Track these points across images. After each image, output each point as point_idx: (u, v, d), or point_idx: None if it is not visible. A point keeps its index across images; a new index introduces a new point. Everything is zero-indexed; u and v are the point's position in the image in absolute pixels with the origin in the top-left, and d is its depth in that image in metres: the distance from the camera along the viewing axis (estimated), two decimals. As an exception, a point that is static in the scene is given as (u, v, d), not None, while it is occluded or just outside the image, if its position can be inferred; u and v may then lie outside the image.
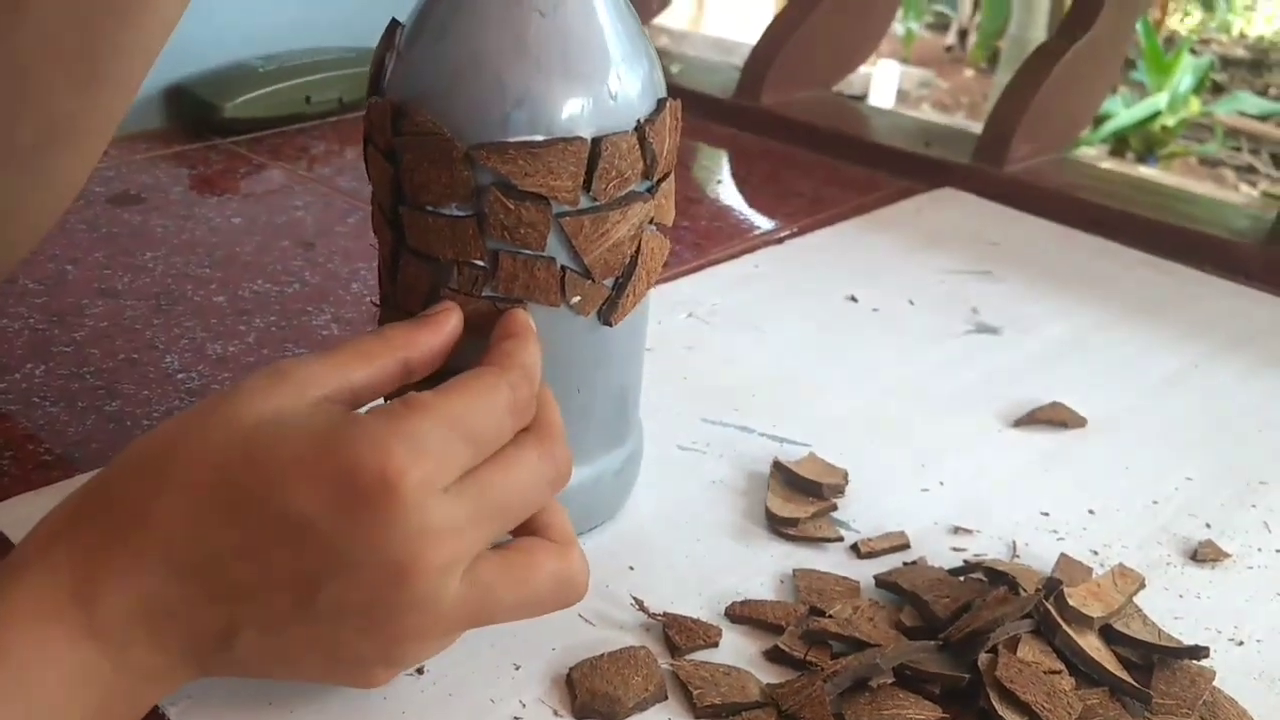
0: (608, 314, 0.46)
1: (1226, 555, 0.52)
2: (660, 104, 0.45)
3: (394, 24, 0.45)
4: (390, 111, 0.43)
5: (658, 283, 0.50)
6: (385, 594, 0.35)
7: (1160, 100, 3.70)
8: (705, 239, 0.83)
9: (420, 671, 0.43)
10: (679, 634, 0.45)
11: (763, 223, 0.87)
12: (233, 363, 0.64)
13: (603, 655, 0.43)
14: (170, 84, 0.96)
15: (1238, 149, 3.70)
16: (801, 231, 0.84)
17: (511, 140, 0.42)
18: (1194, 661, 0.45)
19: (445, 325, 0.42)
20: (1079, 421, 0.62)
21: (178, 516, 0.35)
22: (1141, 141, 3.72)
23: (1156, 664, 0.44)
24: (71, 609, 0.34)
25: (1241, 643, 0.47)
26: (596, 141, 0.43)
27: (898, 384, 0.65)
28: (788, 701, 0.41)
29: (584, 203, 0.43)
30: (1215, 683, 0.44)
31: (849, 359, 0.67)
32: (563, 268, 0.44)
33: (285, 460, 0.35)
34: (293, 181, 0.90)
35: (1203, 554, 0.52)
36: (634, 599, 0.47)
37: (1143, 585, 0.48)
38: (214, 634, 0.36)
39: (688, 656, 0.44)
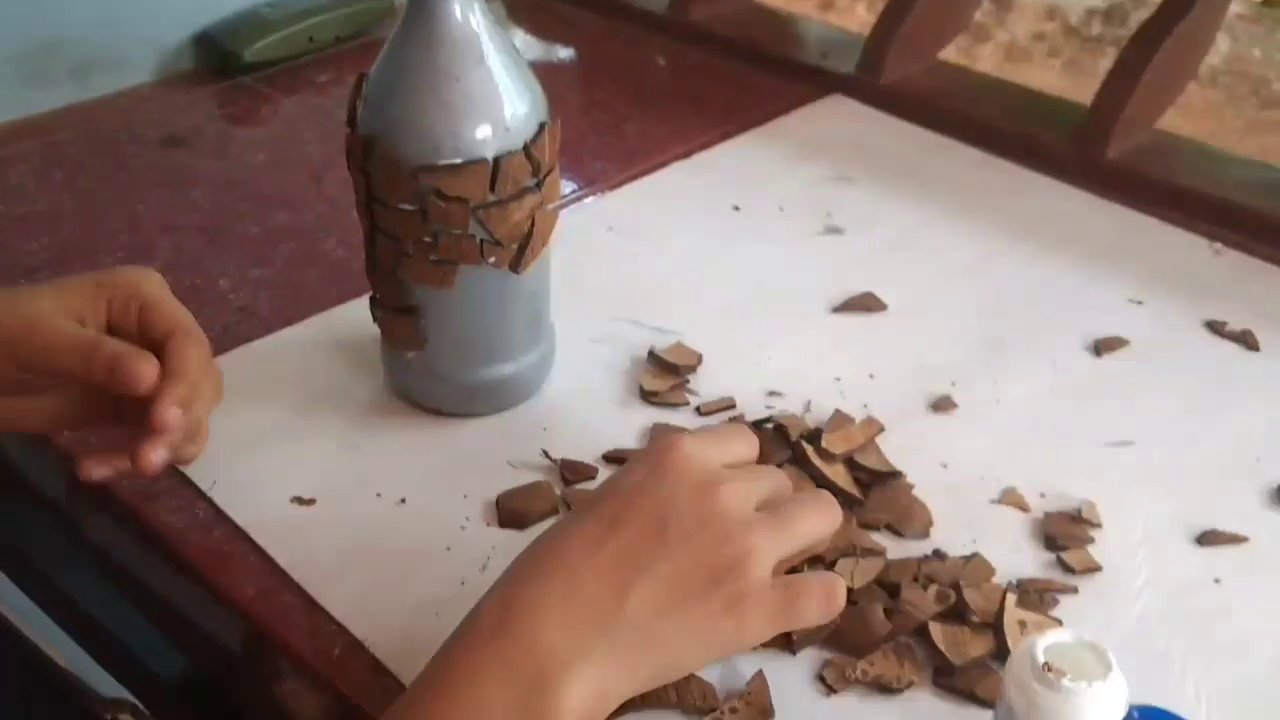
0: (515, 266, 0.69)
1: (955, 405, 0.76)
2: (542, 127, 0.67)
3: (361, 76, 0.67)
4: (361, 143, 0.66)
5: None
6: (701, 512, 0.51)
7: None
8: (631, 155, 1.04)
9: (403, 501, 0.68)
10: (569, 472, 0.70)
11: (680, 137, 1.08)
12: (267, 284, 0.88)
13: (519, 487, 0.68)
14: (197, 32, 1.17)
15: None
16: (709, 144, 1.06)
17: (440, 164, 0.65)
18: (900, 480, 0.69)
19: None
20: (881, 307, 0.85)
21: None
22: None
23: (876, 482, 0.69)
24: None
25: (946, 465, 0.72)
26: (497, 160, 0.65)
27: (755, 282, 0.88)
28: (628, 513, 0.66)
29: (492, 199, 0.66)
30: (916, 493, 0.69)
31: (722, 263, 0.90)
32: (481, 240, 0.67)
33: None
34: (301, 111, 1.12)
35: (940, 405, 0.76)
36: (543, 450, 0.71)
37: (881, 429, 0.72)
38: (610, 600, 0.49)
39: (575, 487, 0.69)
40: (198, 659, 0.73)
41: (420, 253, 0.67)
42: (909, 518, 0.67)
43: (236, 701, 0.70)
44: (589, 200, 0.97)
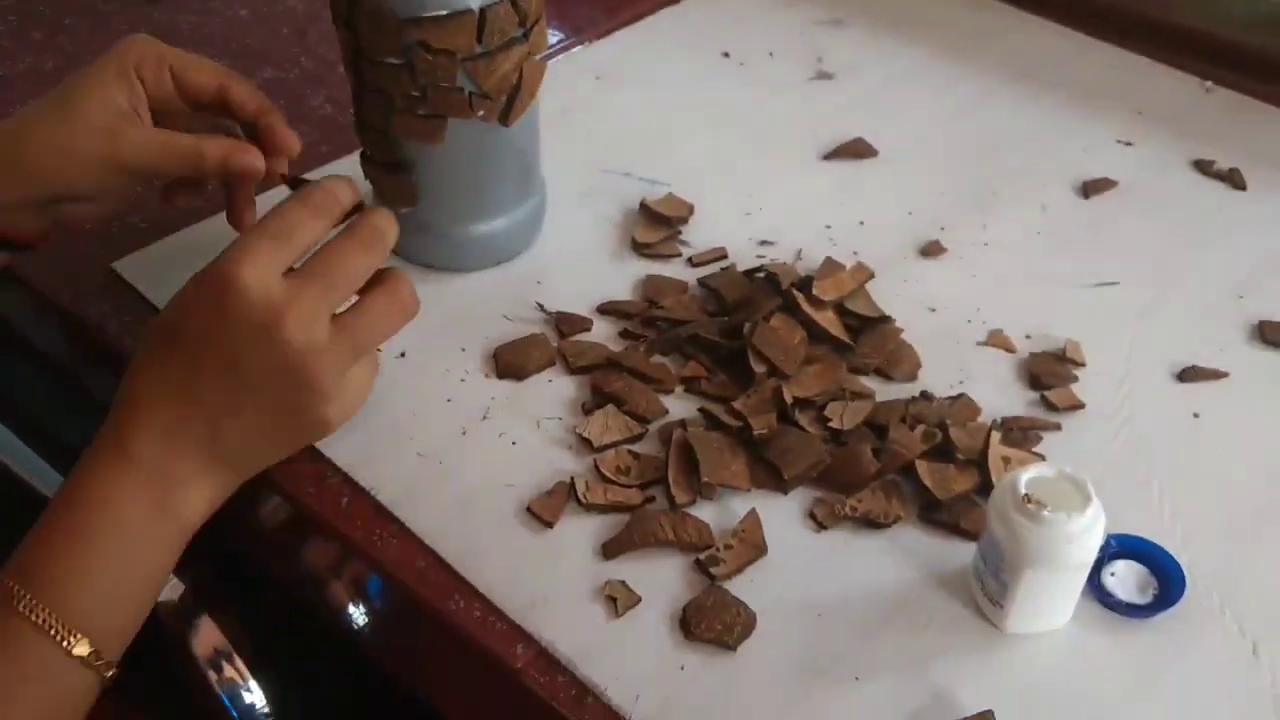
0: (504, 118, 0.69)
1: (945, 250, 0.77)
2: (528, -25, 0.66)
3: (343, -74, 0.66)
4: (345, -4, 0.65)
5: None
6: (275, 353, 0.55)
7: None
8: (618, 1, 1.03)
9: (403, 355, 0.69)
10: (564, 324, 0.71)
11: (667, -18, 1.06)
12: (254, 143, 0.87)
13: (516, 339, 0.70)
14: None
15: None
16: (697, -10, 1.04)
17: (426, 15, 0.64)
18: (888, 324, 0.70)
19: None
20: (871, 152, 0.85)
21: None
22: None
23: (866, 328, 0.70)
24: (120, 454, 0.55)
25: (934, 309, 0.73)
26: (483, 11, 0.64)
27: (746, 130, 0.87)
28: (624, 360, 0.67)
29: (479, 50, 0.66)
30: (904, 337, 0.70)
31: (712, 110, 0.89)
32: (469, 93, 0.67)
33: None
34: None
35: (929, 250, 0.77)
36: (537, 303, 0.72)
37: (871, 276, 0.73)
38: (205, 435, 0.56)
39: (570, 338, 0.70)
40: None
41: (409, 107, 0.67)
42: (897, 361, 0.69)
43: (260, 562, 0.73)
44: (576, 50, 0.96)
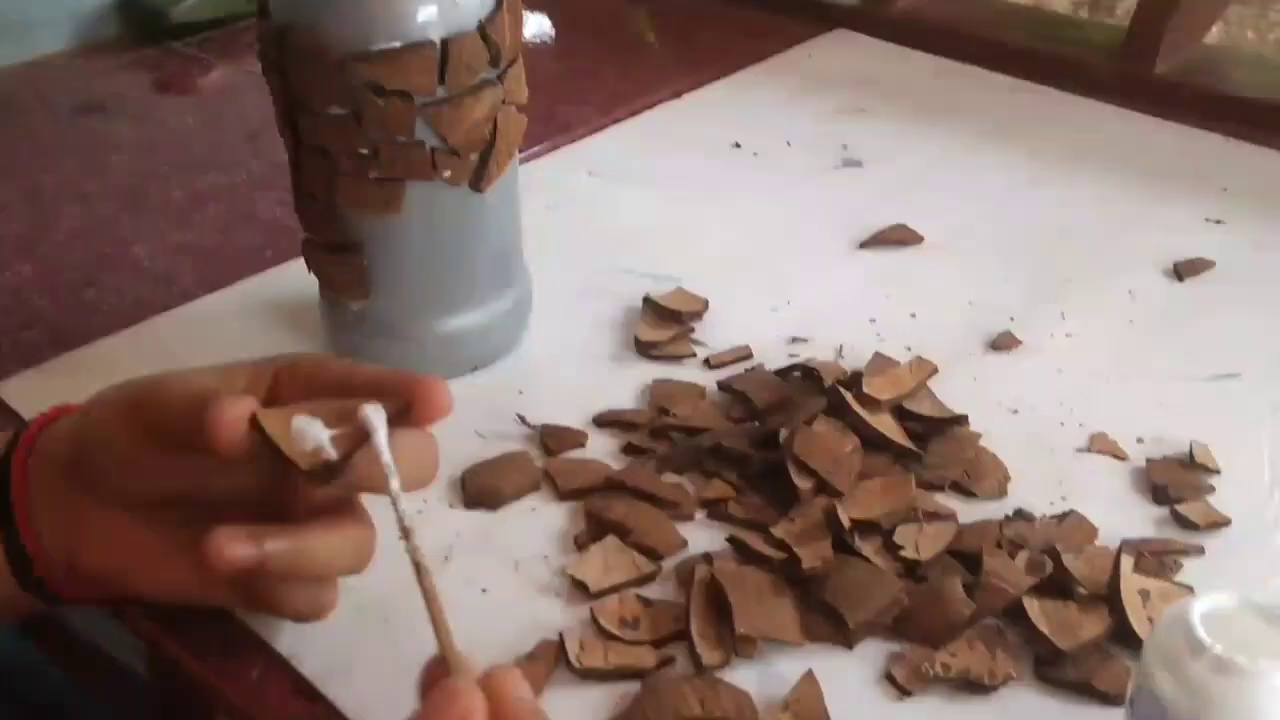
0: (477, 183, 0.56)
1: (1019, 342, 0.63)
2: (499, 2, 0.54)
3: (270, -48, 0.54)
4: (275, 32, 0.53)
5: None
6: None
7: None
8: (612, 99, 0.91)
9: (347, 482, 0.54)
10: (551, 439, 0.56)
11: (666, 79, 0.95)
12: (190, 249, 0.74)
13: (490, 460, 0.55)
14: (120, -5, 1.04)
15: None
16: (699, 85, 0.93)
17: (374, 49, 0.51)
18: (963, 427, 0.55)
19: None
20: (916, 239, 0.71)
21: None
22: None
23: (934, 433, 0.55)
24: None
25: (1016, 411, 0.58)
26: (445, 43, 0.52)
27: (766, 220, 0.74)
28: (628, 479, 0.52)
29: (441, 93, 0.53)
30: (984, 444, 0.55)
31: (725, 202, 0.77)
32: (432, 149, 0.54)
33: None
34: (238, 77, 0.99)
35: (1000, 343, 0.63)
36: (517, 415, 0.58)
37: (935, 371, 0.58)
38: None
39: (560, 456, 0.55)
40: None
41: (358, 169, 0.54)
42: (979, 472, 0.54)
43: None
44: (564, 148, 0.84)
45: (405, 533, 0.37)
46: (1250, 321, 0.64)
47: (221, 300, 0.69)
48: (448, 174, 0.55)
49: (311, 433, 0.39)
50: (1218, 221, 0.73)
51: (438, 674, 0.35)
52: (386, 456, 0.39)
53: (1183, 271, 0.68)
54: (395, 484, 0.38)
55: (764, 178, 0.79)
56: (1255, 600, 0.38)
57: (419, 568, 0.37)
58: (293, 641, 0.47)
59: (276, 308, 0.67)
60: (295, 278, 0.65)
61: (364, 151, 0.53)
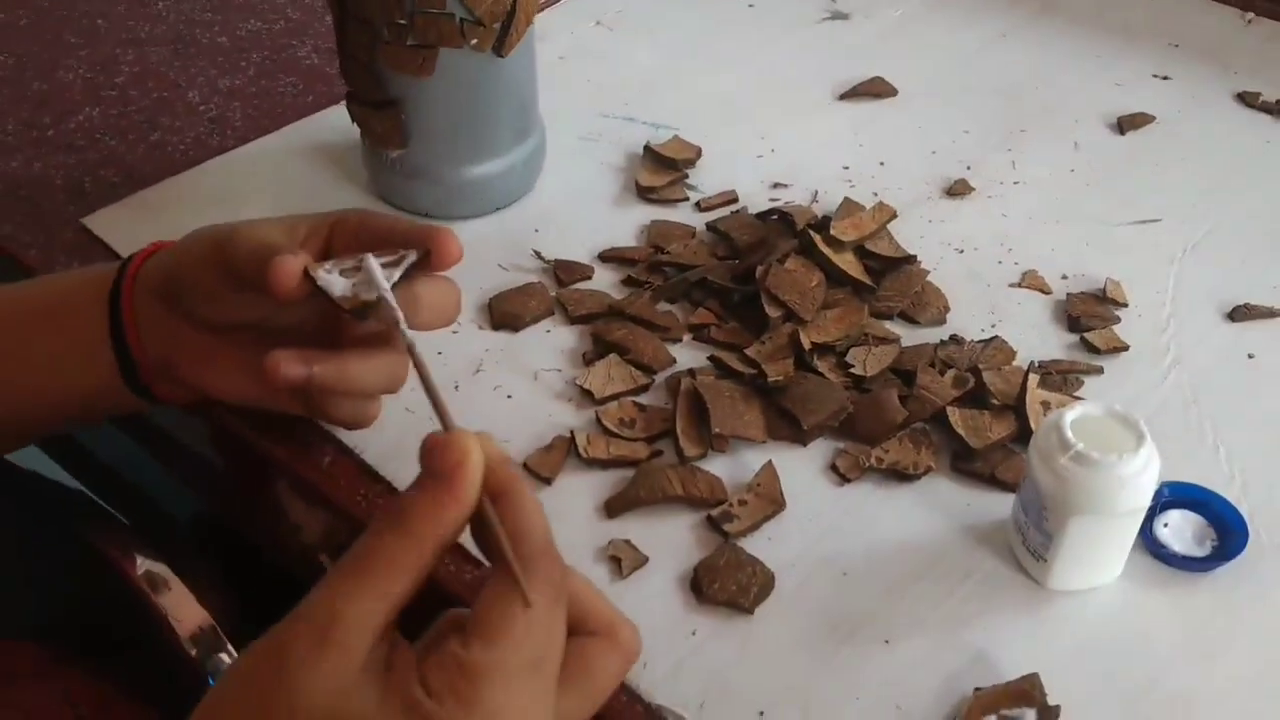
0: (499, 48, 0.64)
1: (972, 189, 0.72)
2: (517, -110, 0.61)
3: None
4: (321, -85, 0.60)
5: None
6: None
7: None
8: (620, -52, 0.98)
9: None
10: (562, 271, 0.66)
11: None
12: (238, 94, 0.83)
13: (511, 289, 0.65)
14: None
15: None
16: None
17: (408, -68, 0.59)
18: (913, 265, 0.65)
19: (464, 490, 0.38)
20: (891, 91, 0.79)
21: None
22: None
23: (889, 269, 0.65)
24: None
25: (961, 250, 0.68)
26: (470, -72, 0.59)
27: (755, 72, 0.82)
28: (627, 307, 0.62)
29: (468, -28, 0.61)
30: (930, 279, 0.65)
31: (719, 53, 0.84)
32: (460, 20, 0.62)
33: None
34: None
35: (954, 189, 0.72)
36: (534, 250, 0.67)
37: (894, 216, 0.67)
38: None
39: (570, 287, 0.65)
40: (206, 496, 0.71)
41: (396, 37, 0.62)
42: (923, 303, 0.64)
43: (252, 537, 0.68)
44: (576, -4, 0.91)
45: (409, 344, 0.43)
46: (1179, 172, 0.73)
47: (271, 143, 0.78)
48: (474, 41, 0.63)
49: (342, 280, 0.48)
50: (1164, 78, 0.80)
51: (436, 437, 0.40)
52: (384, 286, 0.47)
53: (1124, 125, 0.76)
54: (390, 296, 0.46)
55: (757, 28, 0.87)
56: (1116, 409, 0.49)
57: (412, 350, 0.43)
58: (355, 434, 0.58)
59: (321, 151, 0.76)
60: (338, 122, 0.74)
61: (400, 21, 0.62)
